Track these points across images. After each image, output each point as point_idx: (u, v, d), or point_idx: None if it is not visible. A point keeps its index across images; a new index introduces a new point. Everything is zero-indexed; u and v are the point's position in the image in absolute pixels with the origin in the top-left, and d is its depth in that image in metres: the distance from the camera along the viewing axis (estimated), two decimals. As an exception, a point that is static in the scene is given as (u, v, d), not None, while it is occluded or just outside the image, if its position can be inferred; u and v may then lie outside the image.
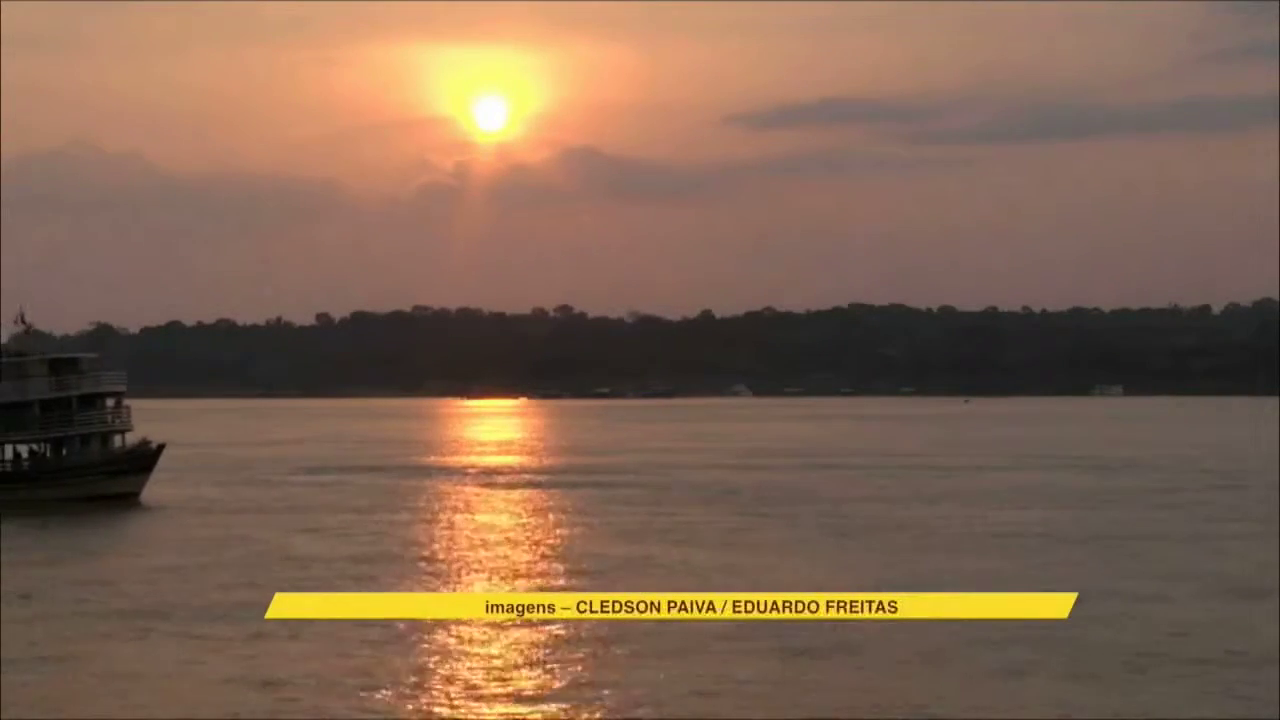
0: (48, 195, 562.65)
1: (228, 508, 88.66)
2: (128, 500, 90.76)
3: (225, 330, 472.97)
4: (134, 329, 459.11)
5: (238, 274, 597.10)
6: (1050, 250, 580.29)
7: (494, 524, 78.31)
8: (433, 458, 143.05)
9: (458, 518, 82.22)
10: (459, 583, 56.60)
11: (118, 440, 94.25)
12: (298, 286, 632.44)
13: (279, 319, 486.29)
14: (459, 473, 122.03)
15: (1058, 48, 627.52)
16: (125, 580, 58.15)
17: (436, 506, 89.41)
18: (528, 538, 71.32)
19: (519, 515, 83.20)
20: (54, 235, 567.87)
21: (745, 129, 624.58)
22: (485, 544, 69.02)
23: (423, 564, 61.99)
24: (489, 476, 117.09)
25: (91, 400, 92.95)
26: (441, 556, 64.52)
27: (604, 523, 78.49)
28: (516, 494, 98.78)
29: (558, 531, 74.03)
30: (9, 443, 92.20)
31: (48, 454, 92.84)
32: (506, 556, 63.99)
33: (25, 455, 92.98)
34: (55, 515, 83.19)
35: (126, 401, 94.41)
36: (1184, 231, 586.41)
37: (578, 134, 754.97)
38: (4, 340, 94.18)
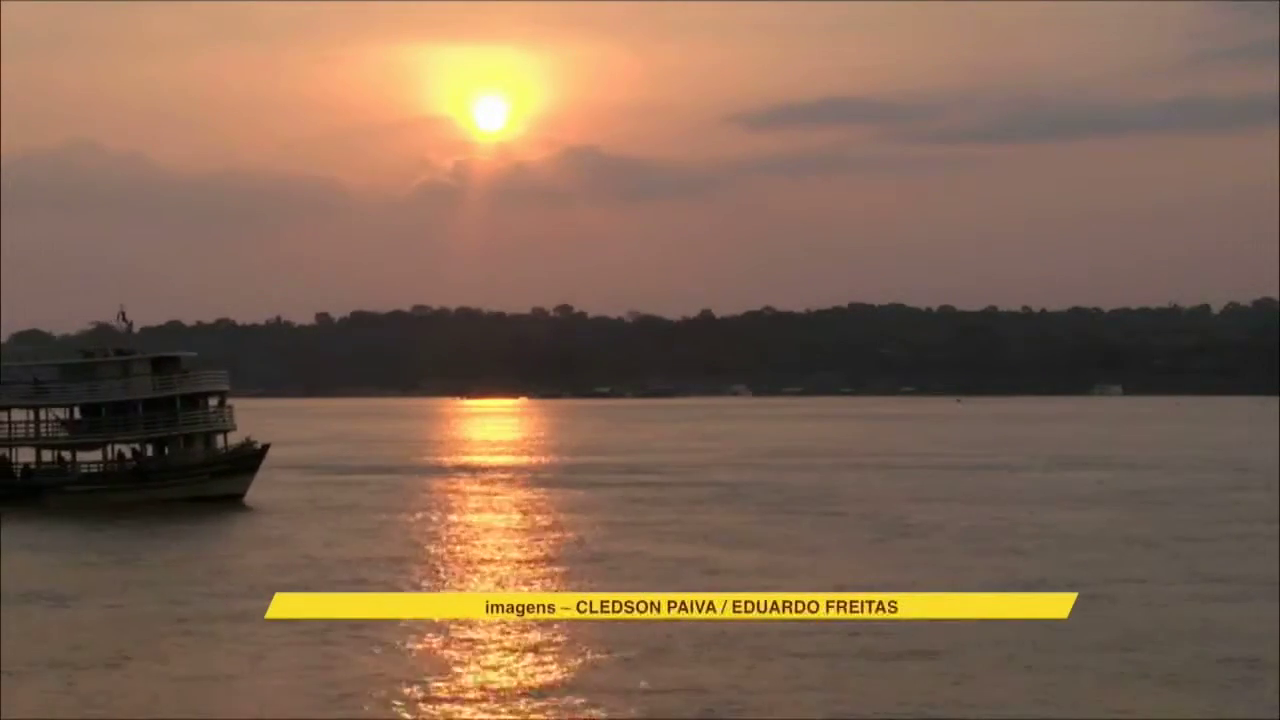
0: (48, 195, 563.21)
1: (323, 507, 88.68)
2: (232, 501, 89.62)
3: (225, 330, 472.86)
4: (134, 329, 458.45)
5: (238, 274, 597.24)
6: (1050, 250, 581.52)
7: (537, 526, 77.97)
8: (452, 458, 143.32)
9: (500, 518, 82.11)
10: (518, 584, 56.47)
11: (220, 440, 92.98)
12: (298, 286, 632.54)
13: (279, 319, 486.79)
14: (483, 472, 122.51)
15: (1058, 48, 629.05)
16: (222, 580, 58.47)
17: (476, 507, 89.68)
18: (572, 540, 71.01)
19: (557, 516, 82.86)
20: (54, 235, 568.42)
21: (745, 129, 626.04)
22: (535, 546, 68.83)
23: (483, 565, 62.11)
24: (513, 476, 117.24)
25: (194, 400, 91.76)
26: (497, 559, 64.46)
27: (641, 523, 78.64)
28: (546, 494, 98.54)
29: (600, 534, 73.82)
30: (113, 443, 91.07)
31: (150, 454, 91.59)
32: (557, 559, 63.60)
33: (129, 455, 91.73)
34: (159, 516, 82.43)
35: (230, 401, 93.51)
36: (1184, 231, 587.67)
37: (578, 134, 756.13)
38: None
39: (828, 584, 54.32)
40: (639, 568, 60.03)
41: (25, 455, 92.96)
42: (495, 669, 40.06)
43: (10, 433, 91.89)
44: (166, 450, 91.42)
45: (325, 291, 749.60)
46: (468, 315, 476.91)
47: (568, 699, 36.77)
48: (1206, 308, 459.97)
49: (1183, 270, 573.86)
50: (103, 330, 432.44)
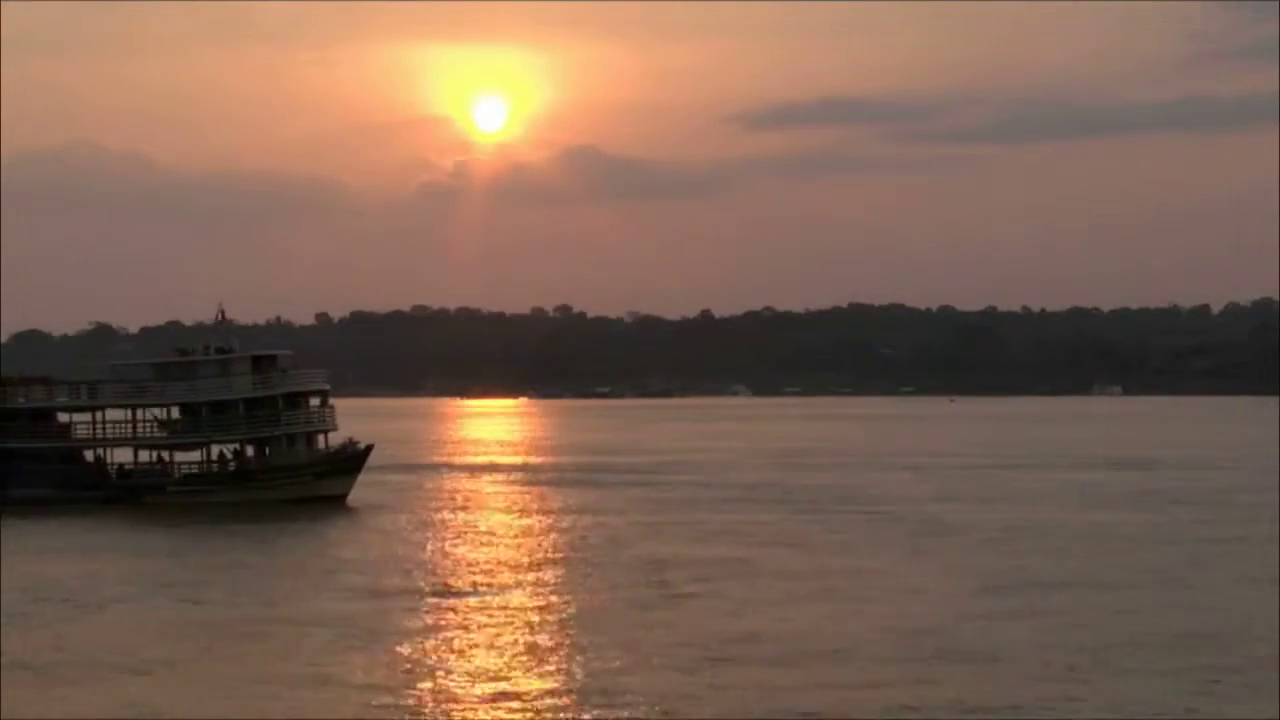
0: (48, 195, 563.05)
1: (422, 507, 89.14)
2: (336, 502, 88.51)
3: (225, 330, 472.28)
4: (134, 329, 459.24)
5: (238, 274, 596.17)
6: (1050, 250, 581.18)
7: (578, 527, 77.92)
8: (477, 458, 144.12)
9: (544, 520, 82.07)
10: (576, 584, 56.94)
11: (321, 440, 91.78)
12: (298, 286, 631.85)
13: (279, 319, 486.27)
14: (510, 472, 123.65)
15: (1058, 48, 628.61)
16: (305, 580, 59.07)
17: (517, 507, 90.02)
18: (614, 542, 71.12)
19: (593, 517, 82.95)
20: (54, 235, 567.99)
21: (745, 129, 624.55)
22: (584, 549, 68.71)
23: (544, 567, 62.63)
24: (541, 477, 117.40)
25: (295, 399, 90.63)
26: (554, 559, 65.05)
27: (674, 523, 79.18)
28: (578, 495, 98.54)
29: (637, 534, 74.05)
30: (213, 443, 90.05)
31: (250, 454, 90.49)
32: (607, 562, 63.47)
33: (230, 456, 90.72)
34: (259, 517, 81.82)
35: (331, 401, 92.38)
36: (1184, 231, 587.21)
37: (578, 134, 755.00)
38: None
39: (882, 587, 55.03)
40: (685, 569, 60.44)
41: (121, 455, 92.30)
42: (551, 671, 40.51)
43: (105, 433, 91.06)
44: (268, 450, 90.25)
45: (325, 291, 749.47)
46: (468, 315, 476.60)
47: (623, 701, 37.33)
48: (1206, 308, 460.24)
49: (1183, 270, 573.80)
50: (102, 330, 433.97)
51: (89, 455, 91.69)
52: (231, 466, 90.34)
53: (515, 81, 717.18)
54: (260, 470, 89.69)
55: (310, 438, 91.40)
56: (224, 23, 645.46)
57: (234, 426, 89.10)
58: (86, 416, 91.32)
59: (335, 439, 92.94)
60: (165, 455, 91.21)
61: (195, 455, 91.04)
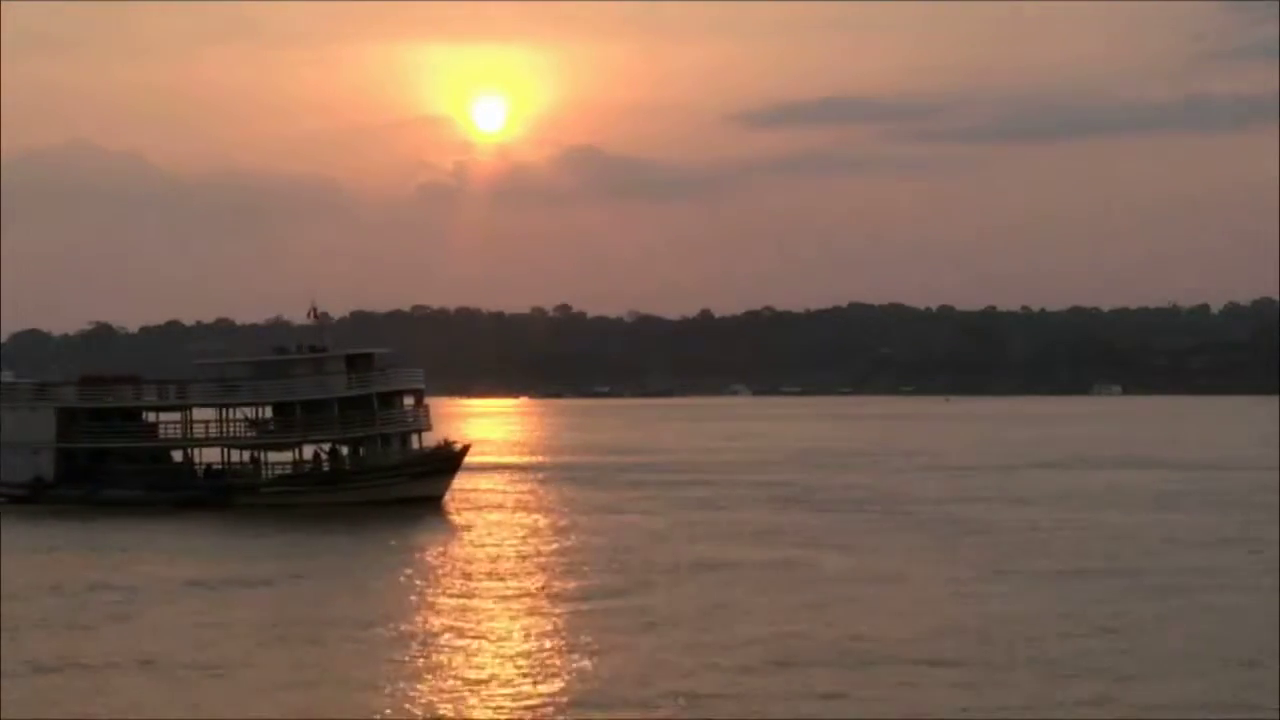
0: (48, 195, 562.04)
1: (513, 507, 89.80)
2: (430, 504, 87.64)
3: (225, 330, 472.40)
4: (133, 329, 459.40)
5: (237, 274, 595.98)
6: (1050, 250, 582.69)
7: (620, 527, 78.24)
8: (494, 457, 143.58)
9: (587, 519, 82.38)
10: (623, 585, 57.56)
11: (415, 440, 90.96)
12: (298, 286, 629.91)
13: (279, 318, 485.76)
14: (529, 471, 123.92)
15: (1058, 47, 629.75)
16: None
17: (552, 507, 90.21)
18: (655, 541, 71.63)
19: (630, 517, 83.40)
20: (54, 235, 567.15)
21: (746, 128, 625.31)
22: (630, 544, 69.45)
23: (608, 565, 63.45)
24: (559, 475, 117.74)
25: (390, 398, 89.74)
26: (605, 559, 65.44)
27: (712, 523, 79.53)
28: (609, 495, 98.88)
29: (678, 534, 74.44)
30: (308, 443, 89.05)
31: (345, 454, 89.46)
32: (657, 563, 63.83)
33: (324, 456, 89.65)
34: (352, 519, 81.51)
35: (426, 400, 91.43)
36: (1183, 231, 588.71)
37: (578, 134, 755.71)
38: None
39: (919, 588, 56.18)
40: (728, 571, 61.01)
41: (208, 455, 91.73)
42: (602, 673, 40.97)
43: (190, 432, 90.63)
44: (362, 451, 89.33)
45: (325, 291, 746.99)
46: (468, 315, 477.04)
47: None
48: (1206, 307, 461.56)
49: (1182, 270, 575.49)
50: (102, 329, 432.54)
51: (177, 455, 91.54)
52: (325, 467, 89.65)
53: (515, 81, 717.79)
54: (354, 471, 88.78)
55: (405, 438, 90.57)
56: (224, 23, 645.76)
57: (328, 426, 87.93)
58: (173, 416, 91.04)
59: (430, 439, 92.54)
60: (256, 455, 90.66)
61: (286, 455, 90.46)
